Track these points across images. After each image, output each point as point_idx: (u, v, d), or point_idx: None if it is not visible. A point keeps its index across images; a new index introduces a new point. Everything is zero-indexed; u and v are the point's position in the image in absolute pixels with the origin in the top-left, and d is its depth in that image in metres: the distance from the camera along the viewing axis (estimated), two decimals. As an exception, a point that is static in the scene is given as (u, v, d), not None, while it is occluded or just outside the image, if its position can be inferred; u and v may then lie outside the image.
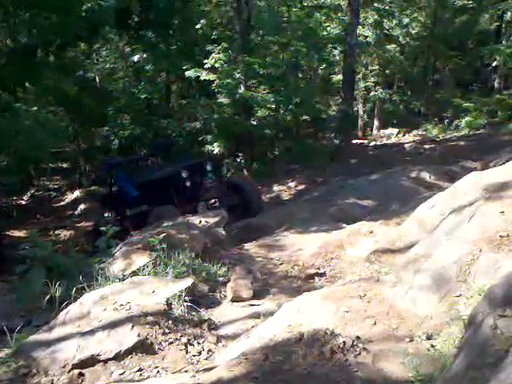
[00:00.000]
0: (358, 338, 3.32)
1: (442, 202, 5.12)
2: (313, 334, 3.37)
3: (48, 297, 4.70)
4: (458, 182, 5.28)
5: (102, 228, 6.60)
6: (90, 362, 3.72)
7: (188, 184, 10.30)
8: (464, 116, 20.77)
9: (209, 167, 10.88)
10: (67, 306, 4.39)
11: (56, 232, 14.79)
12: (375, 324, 3.52)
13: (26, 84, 12.94)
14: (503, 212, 3.87)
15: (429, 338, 3.29)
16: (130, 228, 9.25)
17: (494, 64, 21.69)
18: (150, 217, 9.32)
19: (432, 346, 3.21)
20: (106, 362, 3.72)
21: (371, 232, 6.38)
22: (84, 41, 14.53)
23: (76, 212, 17.05)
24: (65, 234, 14.68)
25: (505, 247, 3.58)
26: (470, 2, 21.63)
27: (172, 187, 10.22)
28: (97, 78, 20.69)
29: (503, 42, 21.14)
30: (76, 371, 3.65)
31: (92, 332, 3.92)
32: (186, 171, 10.38)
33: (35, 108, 14.56)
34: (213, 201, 10.90)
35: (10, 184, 18.78)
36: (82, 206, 17.20)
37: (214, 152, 16.38)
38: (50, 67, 13.29)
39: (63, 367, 3.70)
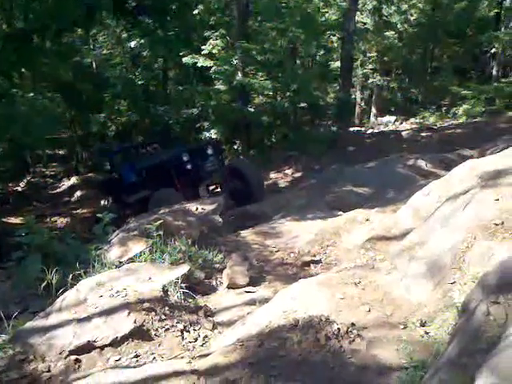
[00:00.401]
0: (352, 324, 3.34)
1: (438, 189, 5.14)
2: (308, 320, 3.39)
3: (44, 283, 4.70)
4: (454, 169, 5.29)
5: (99, 215, 6.61)
6: (87, 348, 3.73)
7: (189, 167, 10.21)
8: (462, 104, 20.76)
9: (210, 151, 10.79)
10: (64, 292, 4.39)
11: (52, 219, 14.78)
12: (370, 311, 3.55)
13: (22, 70, 12.86)
14: (498, 200, 3.88)
15: (423, 324, 3.32)
16: (131, 215, 9.27)
17: (493, 51, 21.64)
18: (151, 202, 9.31)
19: (426, 332, 3.24)
20: (102, 348, 3.73)
21: (367, 219, 6.40)
22: (81, 26, 14.39)
23: (72, 199, 17.02)
24: (61, 220, 14.67)
25: (499, 235, 3.60)
26: (470, -12, 21.55)
27: (173, 171, 10.18)
28: (93, 63, 20.57)
29: (502, 29, 21.05)
30: (72, 357, 3.67)
31: (88, 318, 3.93)
32: (187, 155, 10.30)
33: (31, 94, 14.48)
34: (214, 186, 10.90)
35: (6, 171, 18.74)
36: (78, 193, 17.17)
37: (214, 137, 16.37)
38: (46, 53, 13.20)
39: (60, 353, 3.71)
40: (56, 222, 14.61)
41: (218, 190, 10.99)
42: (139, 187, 10.86)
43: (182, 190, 9.84)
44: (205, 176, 10.49)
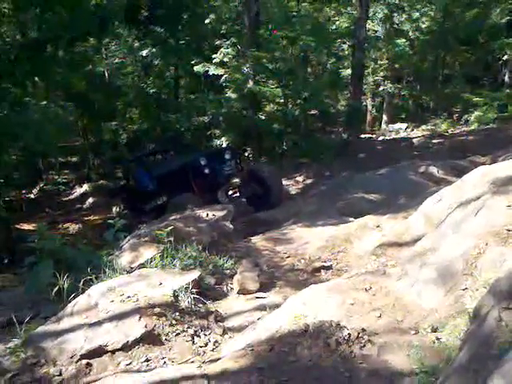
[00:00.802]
0: (363, 330, 3.33)
1: (449, 195, 5.12)
2: (318, 325, 3.38)
3: (56, 288, 4.73)
4: (466, 176, 5.27)
5: (110, 221, 6.64)
6: (98, 352, 3.75)
7: (207, 171, 10.02)
8: (473, 111, 20.66)
9: (228, 155, 10.58)
10: (75, 297, 4.42)
11: (64, 225, 14.89)
12: (380, 316, 3.54)
13: (36, 79, 13.01)
14: (510, 206, 3.87)
15: (434, 330, 3.30)
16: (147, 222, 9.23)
17: (505, 58, 21.55)
18: (168, 208, 9.22)
19: (437, 338, 3.22)
20: (113, 352, 3.75)
21: (378, 226, 6.39)
22: (93, 36, 14.56)
23: (84, 206, 17.15)
24: (73, 227, 14.77)
25: (511, 241, 3.58)
26: (481, -5, 21.52)
27: (191, 175, 10.05)
28: (106, 72, 20.75)
29: (514, 36, 20.97)
30: (84, 361, 3.69)
31: (99, 323, 3.95)
32: (204, 159, 10.16)
33: (44, 102, 14.63)
34: (232, 191, 10.73)
35: (19, 178, 18.90)
36: (90, 200, 17.30)
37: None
38: (59, 62, 13.34)
39: (71, 357, 3.73)
40: (68, 228, 14.71)
41: (237, 194, 10.83)
42: (155, 194, 10.82)
43: (199, 195, 9.73)
44: (222, 181, 10.29)
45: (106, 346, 3.76)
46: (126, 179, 12.79)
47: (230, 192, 10.73)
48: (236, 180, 10.40)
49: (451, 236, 4.08)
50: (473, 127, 19.49)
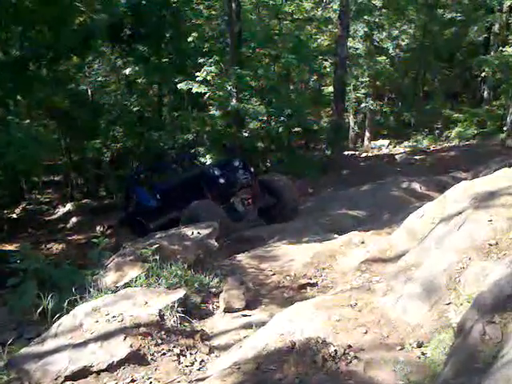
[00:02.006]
0: (349, 346, 3.34)
1: (432, 211, 5.17)
2: (305, 342, 3.38)
3: (40, 309, 4.68)
4: (448, 191, 5.33)
5: (94, 240, 6.58)
6: (83, 373, 3.71)
7: (221, 181, 9.78)
8: (454, 127, 21.02)
9: (241, 165, 10.29)
10: (59, 318, 4.37)
11: (48, 245, 14.74)
12: (366, 332, 3.55)
13: (18, 97, 12.96)
14: (491, 221, 3.92)
15: (419, 345, 3.32)
16: None
17: (483, 75, 21.95)
18: (184, 219, 8.97)
19: (423, 353, 3.24)
20: (98, 373, 3.71)
21: (363, 242, 6.41)
22: (76, 54, 14.57)
23: (68, 225, 17.00)
24: (57, 247, 14.62)
25: (493, 255, 3.63)
26: (459, 14, 21.94)
27: (205, 185, 9.83)
28: (89, 91, 20.73)
29: (492, 54, 21.41)
30: (68, 383, 3.65)
31: (84, 344, 3.91)
32: (218, 169, 10.00)
33: (27, 121, 14.56)
34: (245, 202, 10.28)
35: (1, 197, 18.72)
36: (73, 219, 17.16)
37: None
38: (41, 80, 13.32)
39: (55, 379, 3.69)
40: (51, 248, 14.56)
41: (250, 206, 10.37)
42: (161, 210, 10.51)
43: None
44: (237, 190, 9.98)
45: (90, 366, 3.72)
46: (127, 201, 12.32)
47: (244, 201, 10.31)
48: (247, 190, 10.11)
49: (434, 251, 4.11)
50: (454, 143, 19.77)
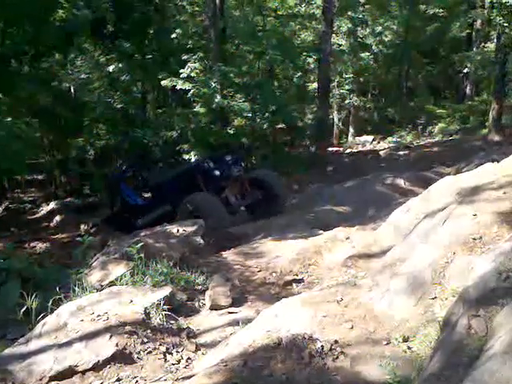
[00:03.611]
0: (335, 342, 3.35)
1: (417, 206, 5.20)
2: (291, 339, 3.38)
3: (24, 309, 4.63)
4: (432, 186, 5.37)
5: (78, 239, 6.53)
6: (68, 373, 3.68)
7: (217, 173, 9.69)
8: (437, 122, 21.18)
9: (234, 159, 10.22)
10: (44, 317, 4.33)
11: (31, 244, 14.57)
12: (352, 328, 3.55)
13: (0, 94, 12.80)
14: (476, 215, 3.95)
15: (405, 340, 3.33)
16: None
17: (466, 71, 22.12)
18: (182, 210, 9.03)
19: (409, 348, 3.25)
20: (83, 372, 3.68)
21: (348, 238, 6.44)
22: (59, 51, 14.42)
23: (52, 224, 16.82)
24: (40, 246, 14.46)
25: (477, 249, 3.66)
26: (441, 10, 22.08)
27: (200, 178, 9.72)
28: (72, 88, 20.52)
29: (474, 49, 21.59)
30: (53, 383, 3.61)
31: (69, 343, 3.88)
32: (212, 162, 9.90)
33: (9, 119, 14.37)
34: (234, 198, 10.19)
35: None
36: (57, 218, 16.96)
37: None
38: (24, 77, 13.16)
39: (40, 380, 3.66)
40: (35, 247, 14.40)
41: (238, 201, 10.30)
42: (154, 205, 10.34)
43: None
44: (231, 182, 9.97)
45: (76, 366, 3.69)
46: (111, 199, 12.13)
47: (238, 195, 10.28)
48: (236, 184, 10.09)
49: (419, 246, 4.13)
50: (437, 138, 19.92)
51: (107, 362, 3.74)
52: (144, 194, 11.11)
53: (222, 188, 9.95)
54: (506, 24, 16.08)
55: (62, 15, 13.00)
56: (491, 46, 19.04)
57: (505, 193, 4.11)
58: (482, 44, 20.76)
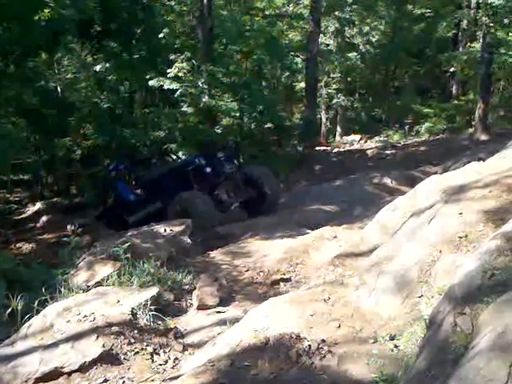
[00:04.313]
0: (323, 341, 3.35)
1: (403, 205, 5.22)
2: (279, 338, 3.38)
3: (9, 310, 4.59)
4: (419, 185, 5.39)
5: (65, 239, 6.49)
6: (54, 374, 3.66)
7: (208, 171, 9.66)
8: (424, 122, 21.26)
9: (227, 156, 10.23)
10: (30, 319, 4.30)
11: (17, 245, 14.45)
12: (340, 327, 3.56)
13: (-15, 95, 12.69)
14: (461, 214, 3.97)
15: (392, 338, 3.34)
16: None
17: (452, 70, 22.26)
18: (171, 208, 9.03)
19: (395, 346, 3.26)
20: (70, 374, 3.66)
21: (335, 237, 6.45)
22: (45, 50, 14.30)
23: (38, 224, 16.69)
24: (26, 246, 14.35)
25: (463, 248, 3.68)
26: (428, 10, 22.20)
27: (191, 175, 9.69)
28: (59, 88, 20.38)
29: (460, 49, 21.72)
30: (39, 385, 3.59)
31: (55, 344, 3.86)
32: (204, 159, 9.87)
33: (-5, 119, 14.27)
34: (226, 196, 10.17)
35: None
36: (44, 218, 16.84)
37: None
38: (10, 77, 13.05)
39: (25, 381, 3.63)
40: (21, 248, 14.28)
41: (231, 199, 10.29)
42: (145, 202, 10.33)
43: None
44: (223, 179, 9.94)
45: (62, 367, 3.67)
46: (104, 195, 12.05)
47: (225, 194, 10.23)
48: (230, 181, 10.06)
49: (406, 244, 4.15)
50: (423, 138, 20.03)
51: (94, 362, 3.73)
52: (137, 191, 11.04)
53: (214, 185, 9.92)
54: (491, 24, 16.20)
55: (48, 14, 12.86)
56: (477, 45, 19.15)
57: (490, 191, 4.13)
58: (468, 44, 20.89)
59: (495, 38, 16.79)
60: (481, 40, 18.12)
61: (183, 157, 15.85)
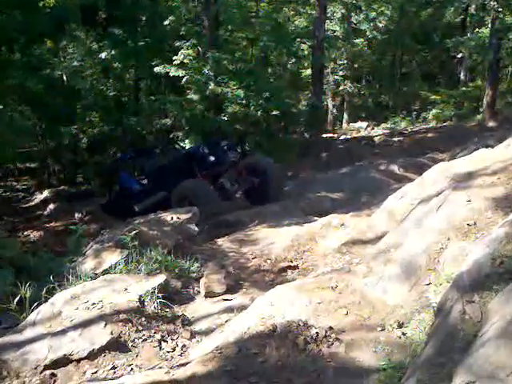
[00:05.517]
0: (330, 328, 3.35)
1: (411, 192, 5.20)
2: (286, 325, 3.39)
3: (18, 298, 4.61)
4: (426, 172, 5.36)
5: (72, 227, 6.51)
6: (63, 361, 3.67)
7: (212, 159, 9.64)
8: (431, 108, 21.16)
9: (229, 144, 10.20)
10: (38, 306, 4.32)
11: (25, 233, 14.52)
12: (347, 314, 3.56)
13: (-10, 83, 12.69)
14: (470, 201, 3.94)
15: (400, 326, 3.34)
16: None
17: (460, 56, 22.07)
18: (174, 194, 9.04)
19: (403, 333, 3.26)
20: (78, 361, 3.68)
21: (342, 224, 6.43)
22: (50, 38, 14.27)
23: (45, 212, 16.75)
24: (34, 234, 14.41)
25: (472, 235, 3.66)
26: (435, -5, 22.01)
27: (195, 164, 9.70)
28: (64, 75, 20.35)
29: (468, 35, 21.51)
30: (48, 372, 3.61)
31: (64, 332, 3.87)
32: (207, 148, 9.85)
33: (1, 107, 14.26)
34: (229, 184, 10.14)
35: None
36: (51, 206, 16.90)
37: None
38: (15, 65, 13.03)
39: (35, 368, 3.65)
40: (29, 236, 14.35)
41: (234, 187, 10.26)
42: (150, 192, 10.28)
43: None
44: (226, 168, 9.93)
45: (70, 355, 3.69)
46: (109, 184, 12.07)
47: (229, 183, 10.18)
48: (232, 171, 10.07)
49: (414, 232, 4.13)
50: (431, 124, 19.91)
51: (102, 350, 3.74)
52: (142, 181, 11.06)
53: (217, 174, 9.92)
54: (500, 9, 16.02)
55: (53, 1, 12.82)
56: (485, 31, 18.95)
57: (499, 178, 4.10)
58: (476, 29, 20.68)
59: (504, 24, 16.61)
60: (489, 25, 17.94)
61: (189, 145, 15.85)
